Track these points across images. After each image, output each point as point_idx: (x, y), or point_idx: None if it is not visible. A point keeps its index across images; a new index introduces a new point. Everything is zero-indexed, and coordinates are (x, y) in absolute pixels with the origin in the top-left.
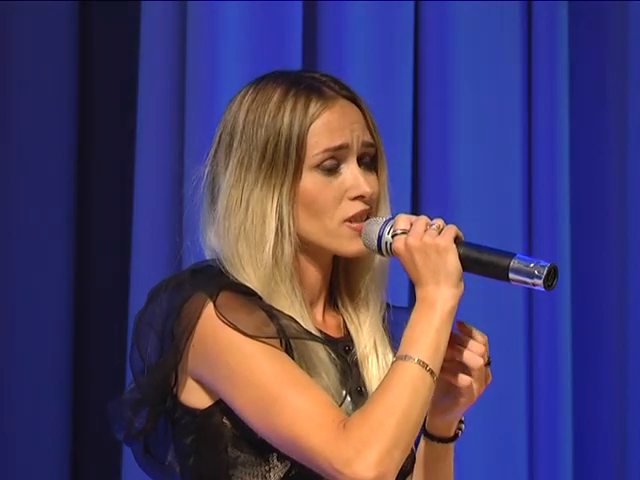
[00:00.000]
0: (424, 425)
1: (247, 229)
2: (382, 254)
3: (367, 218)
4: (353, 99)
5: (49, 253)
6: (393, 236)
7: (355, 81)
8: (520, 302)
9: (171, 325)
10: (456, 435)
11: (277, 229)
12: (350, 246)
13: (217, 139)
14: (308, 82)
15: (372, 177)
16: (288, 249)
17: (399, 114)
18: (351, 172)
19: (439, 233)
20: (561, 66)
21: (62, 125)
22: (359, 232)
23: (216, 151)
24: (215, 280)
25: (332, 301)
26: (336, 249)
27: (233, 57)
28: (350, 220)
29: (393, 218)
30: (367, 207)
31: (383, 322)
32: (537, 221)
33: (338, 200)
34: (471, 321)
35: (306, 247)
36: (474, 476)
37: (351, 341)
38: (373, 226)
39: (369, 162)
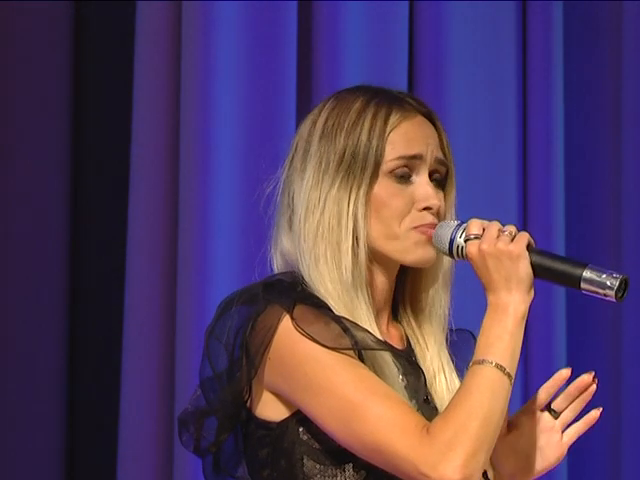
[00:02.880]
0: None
1: (323, 229)
2: (452, 257)
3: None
4: (430, 117)
5: (44, 253)
6: (466, 240)
7: (350, 81)
8: None
9: (244, 338)
10: None
11: (353, 230)
12: (416, 252)
13: (294, 148)
14: (389, 94)
15: (440, 194)
16: (362, 252)
17: None
18: (422, 183)
19: (512, 240)
20: (556, 66)
21: (57, 124)
22: (427, 238)
23: (292, 159)
24: (288, 293)
25: (394, 313)
26: (401, 255)
27: (228, 57)
28: (418, 229)
29: (465, 222)
30: (435, 221)
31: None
32: (532, 221)
33: (408, 209)
34: (466, 324)
35: (375, 254)
36: None
37: (413, 352)
38: (445, 229)
39: (439, 179)
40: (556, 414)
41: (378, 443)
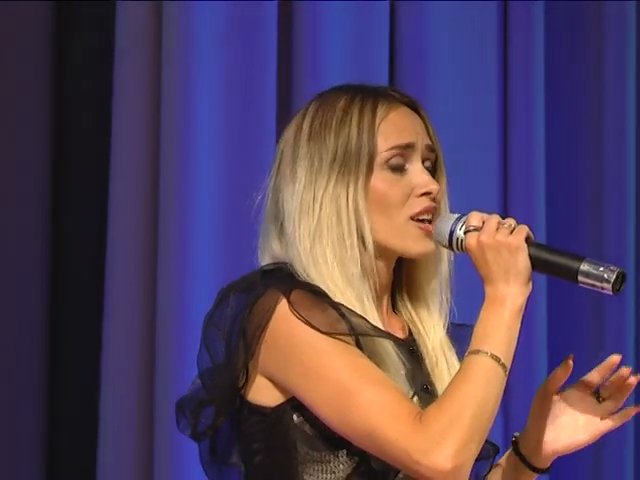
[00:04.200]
0: (521, 453)
1: (322, 229)
2: (452, 249)
3: (433, 217)
4: (414, 106)
5: (24, 253)
6: (465, 232)
7: (331, 82)
8: None
9: (242, 323)
10: (549, 468)
11: (355, 226)
12: (416, 247)
13: (279, 155)
14: (371, 89)
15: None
16: (364, 245)
17: None
18: (417, 171)
19: (511, 232)
20: (537, 66)
21: (36, 124)
22: (427, 233)
23: (279, 166)
24: (287, 280)
25: (393, 303)
26: (402, 249)
27: (208, 57)
28: (417, 216)
29: (465, 215)
30: (433, 204)
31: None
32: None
33: (406, 197)
34: (466, 316)
35: (376, 246)
36: None
37: (414, 342)
38: (446, 222)
39: (430, 167)
40: (601, 400)
41: (371, 430)
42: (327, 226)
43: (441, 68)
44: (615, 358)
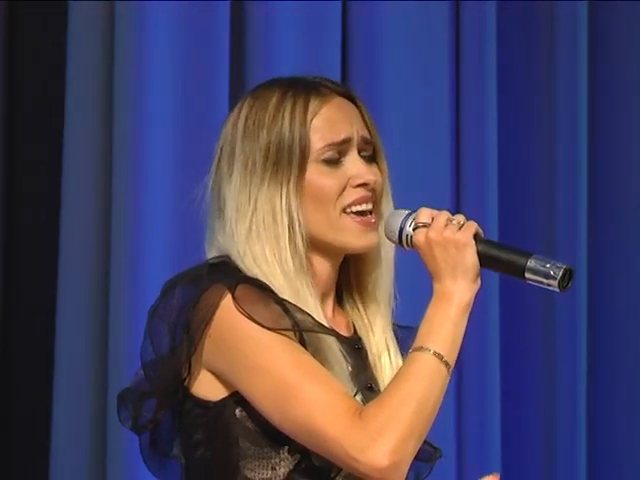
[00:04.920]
0: None
1: (258, 229)
2: (402, 246)
3: (373, 207)
4: (349, 96)
5: None
6: (414, 229)
7: None
8: None
9: (186, 316)
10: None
11: (289, 224)
12: (358, 241)
13: (218, 152)
14: (303, 83)
15: (374, 168)
16: (300, 243)
17: None
18: (354, 161)
19: (459, 229)
20: (489, 66)
21: None
22: (365, 227)
23: (218, 163)
24: (233, 274)
25: (339, 301)
26: (342, 244)
27: (161, 57)
28: (351, 207)
29: (415, 211)
30: (369, 194)
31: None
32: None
33: (342, 188)
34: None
35: (315, 243)
36: None
37: (359, 340)
38: (395, 218)
39: (368, 156)
40: None
41: (310, 426)
42: (264, 226)
43: (393, 68)
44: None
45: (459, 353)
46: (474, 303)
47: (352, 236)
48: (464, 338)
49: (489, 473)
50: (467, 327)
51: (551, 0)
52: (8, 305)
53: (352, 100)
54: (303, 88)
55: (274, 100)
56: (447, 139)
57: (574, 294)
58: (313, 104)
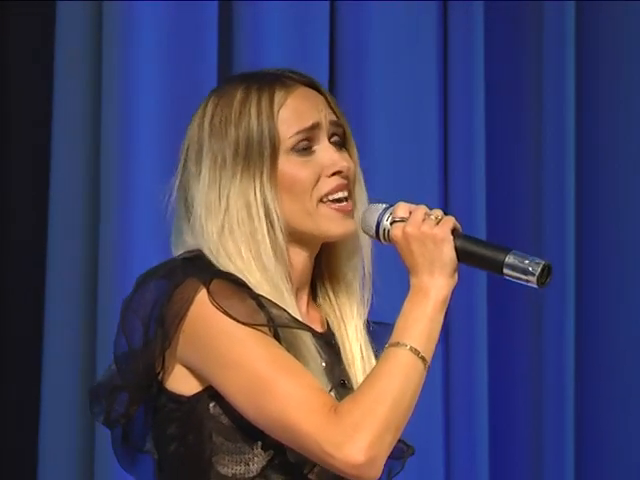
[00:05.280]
0: None
1: (232, 225)
2: (379, 240)
3: (348, 194)
4: (313, 85)
5: None
6: (392, 223)
7: None
8: None
9: (160, 310)
10: None
11: (266, 216)
12: (337, 228)
13: (184, 152)
14: (267, 76)
15: (345, 154)
16: (280, 234)
17: None
18: (325, 149)
19: (437, 223)
20: (477, 65)
21: None
22: (341, 214)
23: (184, 164)
24: (207, 269)
25: (313, 297)
26: (319, 232)
27: (149, 57)
28: (328, 196)
29: (393, 205)
30: (344, 181)
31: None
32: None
33: (316, 178)
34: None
35: (292, 233)
36: None
37: (333, 336)
38: (372, 212)
39: (339, 141)
40: None
41: (285, 421)
42: (238, 222)
43: (381, 68)
44: None
45: (448, 351)
46: (463, 304)
47: (331, 223)
48: (455, 338)
49: None
50: (456, 327)
51: (539, 0)
52: None
53: (317, 89)
54: (267, 81)
55: (239, 96)
56: (435, 139)
57: (562, 293)
58: (278, 96)
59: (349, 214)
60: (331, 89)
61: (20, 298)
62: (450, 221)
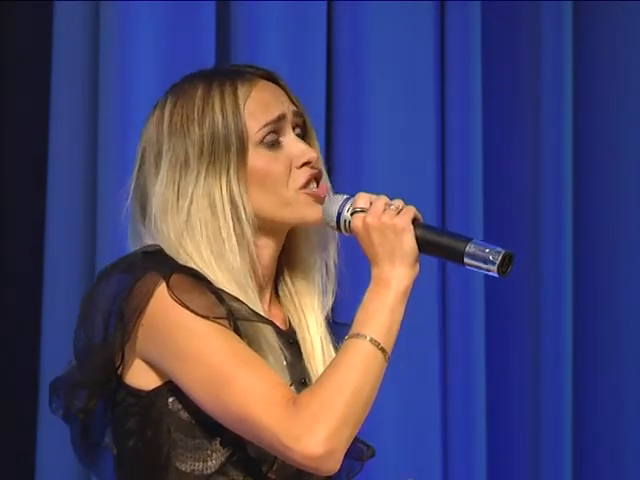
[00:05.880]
0: None
1: (193, 226)
2: (340, 231)
3: (317, 183)
4: (271, 78)
5: None
6: (352, 214)
7: None
8: (434, 298)
9: (120, 304)
10: None
11: (232, 213)
12: (311, 213)
13: (140, 155)
14: (226, 72)
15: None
16: (248, 230)
17: (312, 115)
18: (292, 142)
19: (398, 213)
20: (474, 65)
21: None
22: (316, 199)
23: (141, 166)
24: (167, 262)
25: (277, 295)
26: (297, 218)
27: (146, 57)
28: (305, 187)
29: (353, 196)
30: (315, 171)
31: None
32: (450, 224)
33: (288, 170)
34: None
35: (261, 227)
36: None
37: (295, 334)
38: (333, 203)
39: (301, 133)
40: None
41: (244, 414)
42: (200, 222)
43: (378, 68)
44: None
45: (445, 356)
46: (459, 315)
47: (309, 209)
48: (449, 347)
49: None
50: (454, 329)
51: (536, 0)
52: None
53: (275, 81)
54: (227, 76)
55: (199, 93)
56: (432, 139)
57: (560, 294)
58: (242, 90)
59: (320, 200)
60: (328, 89)
61: (17, 298)
62: (411, 211)
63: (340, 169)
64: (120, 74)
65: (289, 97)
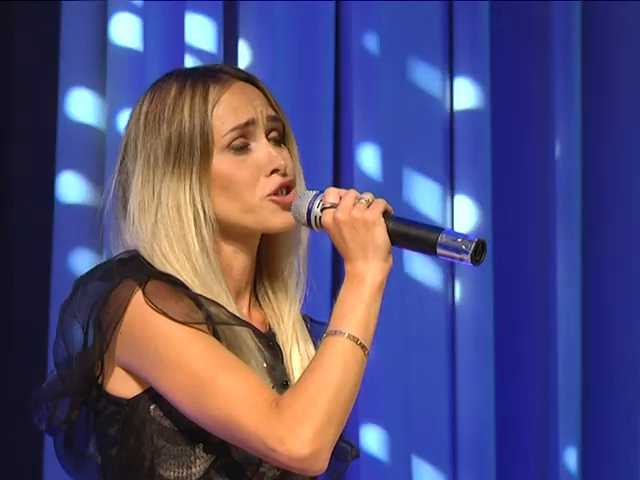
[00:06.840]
0: None
1: (164, 225)
2: (312, 228)
3: (288, 191)
4: (249, 80)
5: None
6: (322, 210)
7: (277, 82)
8: (441, 304)
9: (98, 313)
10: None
11: (194, 217)
12: (275, 220)
13: (122, 150)
14: (201, 72)
15: (284, 151)
16: (208, 235)
17: (320, 118)
18: (262, 147)
19: (368, 207)
20: (483, 65)
21: None
22: (282, 205)
23: (122, 161)
24: (143, 269)
25: (256, 298)
26: (261, 225)
27: (153, 57)
28: (273, 195)
29: (323, 192)
30: (285, 179)
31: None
32: (458, 224)
33: (256, 177)
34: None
35: (229, 232)
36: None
37: (274, 337)
38: (303, 200)
39: (278, 137)
40: None
41: (226, 418)
42: (169, 222)
43: (387, 68)
44: None
45: (454, 360)
46: (468, 317)
47: (271, 215)
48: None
49: None
50: (463, 326)
51: (545, 0)
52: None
53: (254, 83)
54: (201, 77)
55: (173, 92)
56: (440, 140)
57: (568, 292)
58: (213, 92)
59: (287, 207)
60: (337, 89)
61: (25, 307)
62: (381, 203)
63: (346, 172)
64: (128, 75)
65: (268, 100)
